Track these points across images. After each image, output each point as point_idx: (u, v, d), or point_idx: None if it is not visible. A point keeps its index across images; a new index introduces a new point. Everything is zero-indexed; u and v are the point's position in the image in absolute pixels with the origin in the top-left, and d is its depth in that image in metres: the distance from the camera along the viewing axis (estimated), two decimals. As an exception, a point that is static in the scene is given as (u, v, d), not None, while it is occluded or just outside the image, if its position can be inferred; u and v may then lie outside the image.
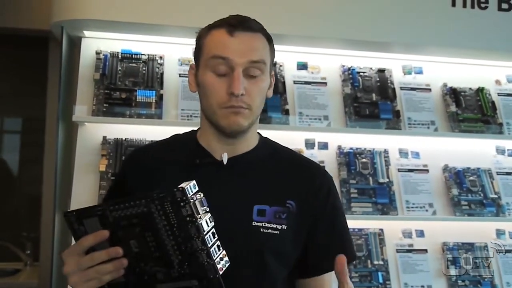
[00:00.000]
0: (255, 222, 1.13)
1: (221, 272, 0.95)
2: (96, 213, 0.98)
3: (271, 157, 1.24)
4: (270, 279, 1.13)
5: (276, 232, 1.13)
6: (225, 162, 1.18)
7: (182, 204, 0.92)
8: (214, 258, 0.94)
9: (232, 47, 1.12)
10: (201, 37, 1.20)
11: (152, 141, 2.44)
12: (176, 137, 1.32)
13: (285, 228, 1.14)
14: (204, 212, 0.94)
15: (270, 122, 2.48)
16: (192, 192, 0.92)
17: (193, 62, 1.26)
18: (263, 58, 1.15)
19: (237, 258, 1.04)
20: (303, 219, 1.18)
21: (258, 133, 1.30)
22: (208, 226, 0.94)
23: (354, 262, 1.30)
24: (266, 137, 1.31)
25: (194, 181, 0.94)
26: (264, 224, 1.13)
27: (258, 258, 1.07)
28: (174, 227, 0.94)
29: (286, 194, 1.17)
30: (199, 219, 0.92)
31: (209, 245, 0.94)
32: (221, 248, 0.97)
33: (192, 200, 0.92)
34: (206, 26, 1.22)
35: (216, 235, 0.96)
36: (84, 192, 2.36)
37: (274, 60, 1.26)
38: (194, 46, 1.24)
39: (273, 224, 1.13)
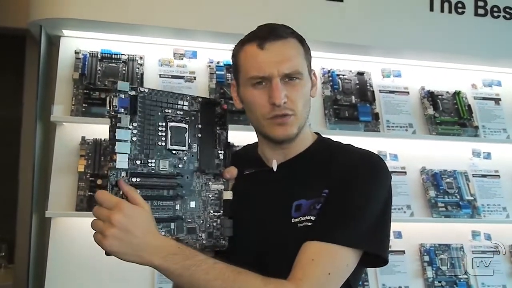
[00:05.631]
0: (293, 219, 1.14)
1: None
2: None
3: (321, 155, 1.22)
4: None
5: (309, 223, 1.12)
6: (274, 169, 1.22)
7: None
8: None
9: (265, 61, 1.15)
10: (236, 54, 1.24)
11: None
12: (250, 146, 1.38)
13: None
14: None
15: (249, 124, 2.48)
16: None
17: (232, 78, 1.30)
18: (297, 69, 1.16)
19: (280, 256, 1.12)
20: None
21: (318, 133, 1.30)
22: None
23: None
24: (324, 138, 1.30)
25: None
26: (300, 219, 1.14)
27: (292, 255, 1.09)
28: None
29: (323, 184, 1.15)
30: None
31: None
32: None
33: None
34: (238, 42, 1.24)
35: None
36: (62, 193, 2.33)
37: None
38: (232, 64, 1.27)
39: (308, 215, 1.13)
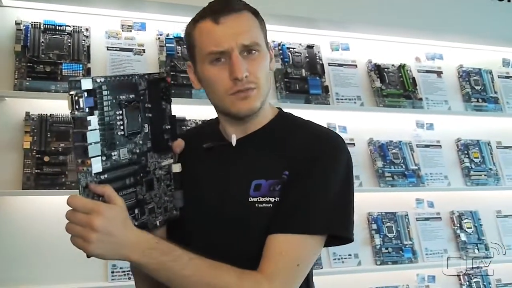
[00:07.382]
0: (251, 198, 1.13)
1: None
2: None
3: (281, 131, 1.20)
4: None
5: (269, 205, 1.12)
6: (233, 143, 1.20)
7: None
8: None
9: (222, 35, 1.11)
10: (190, 33, 1.18)
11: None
12: (211, 121, 1.33)
13: (277, 200, 1.12)
14: None
15: (201, 97, 2.46)
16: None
17: (187, 59, 1.27)
18: (255, 40, 1.14)
19: (233, 235, 1.13)
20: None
21: (279, 108, 1.27)
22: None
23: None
24: (286, 113, 1.27)
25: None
26: (259, 199, 1.12)
27: (250, 233, 1.11)
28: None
29: (283, 165, 1.14)
30: None
31: None
32: None
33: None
34: (190, 20, 1.19)
35: None
36: (7, 171, 2.24)
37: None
38: (186, 44, 1.22)
39: (267, 197, 1.12)
